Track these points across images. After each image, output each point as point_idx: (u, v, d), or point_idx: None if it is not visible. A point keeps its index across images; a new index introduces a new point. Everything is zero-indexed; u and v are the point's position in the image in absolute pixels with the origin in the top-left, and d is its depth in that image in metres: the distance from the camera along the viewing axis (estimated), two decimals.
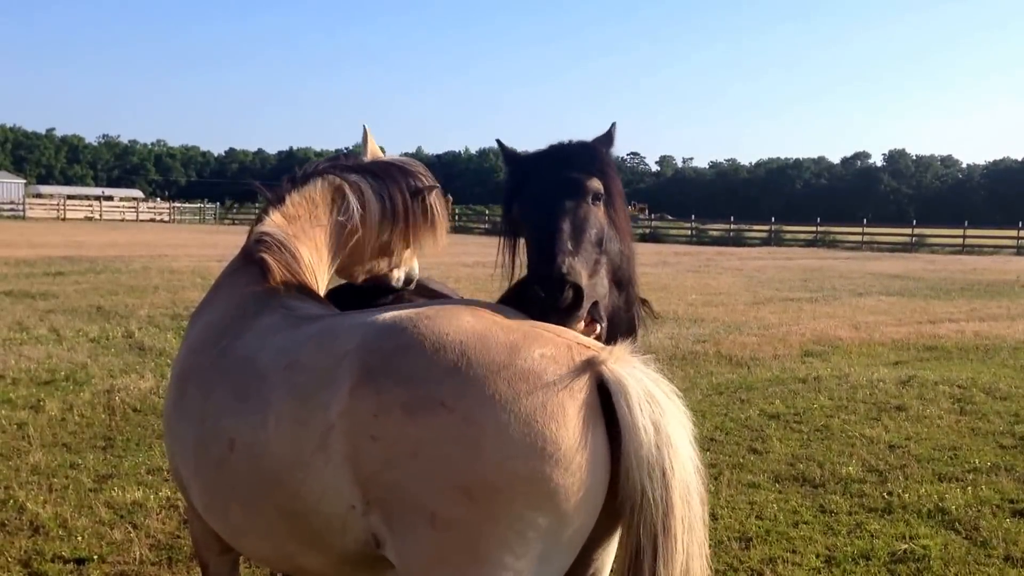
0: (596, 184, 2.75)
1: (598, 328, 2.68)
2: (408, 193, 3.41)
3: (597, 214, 2.73)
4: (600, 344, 2.48)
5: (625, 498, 2.27)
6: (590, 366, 2.31)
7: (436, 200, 3.51)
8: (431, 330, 2.35)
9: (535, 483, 2.18)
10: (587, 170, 2.77)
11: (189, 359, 3.03)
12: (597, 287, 2.70)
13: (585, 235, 2.66)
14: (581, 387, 2.26)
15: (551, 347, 2.33)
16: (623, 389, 2.27)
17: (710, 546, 5.26)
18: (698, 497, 2.35)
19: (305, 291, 3.15)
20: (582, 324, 2.59)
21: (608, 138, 2.95)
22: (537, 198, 2.73)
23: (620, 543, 2.40)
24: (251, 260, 3.21)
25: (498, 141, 3.10)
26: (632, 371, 2.33)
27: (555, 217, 2.64)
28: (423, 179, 3.49)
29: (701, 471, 2.39)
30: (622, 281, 2.90)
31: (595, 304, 2.65)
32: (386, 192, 3.38)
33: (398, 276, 3.62)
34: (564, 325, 2.51)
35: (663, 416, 2.29)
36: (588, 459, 2.22)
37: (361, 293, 3.58)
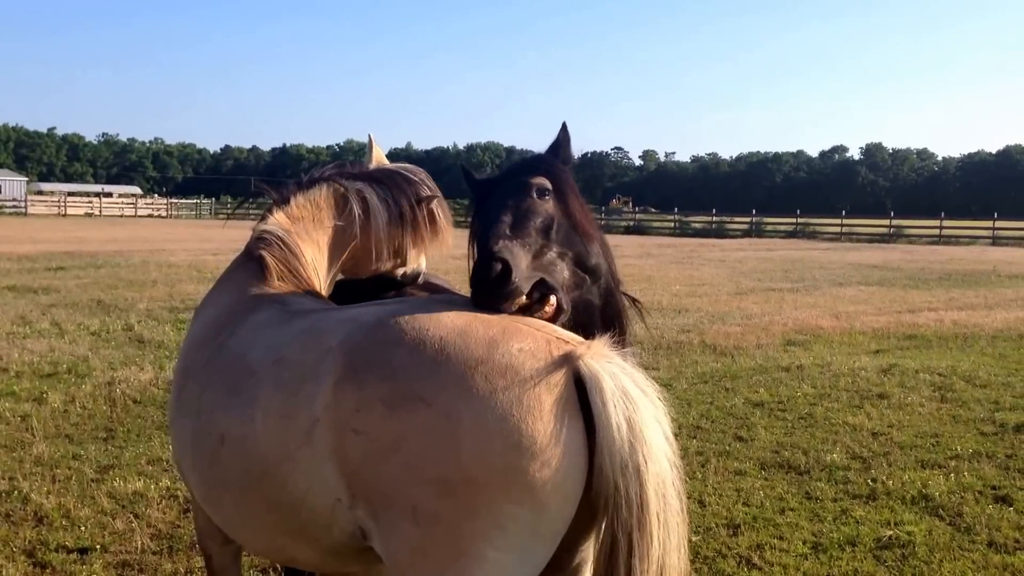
0: (540, 180, 2.83)
1: (552, 300, 2.64)
2: (413, 201, 3.49)
3: (543, 206, 2.79)
4: (579, 339, 2.47)
5: (599, 493, 2.26)
6: (567, 361, 2.29)
7: (439, 208, 3.58)
8: (412, 326, 2.37)
9: (512, 476, 2.19)
10: (532, 172, 2.87)
11: (189, 355, 3.08)
12: (548, 267, 2.70)
13: (528, 223, 2.70)
14: (558, 381, 2.26)
15: (529, 341, 2.33)
16: (597, 385, 2.26)
17: (698, 532, 5.44)
18: (675, 492, 2.34)
19: (302, 287, 3.19)
20: (523, 299, 2.55)
21: (556, 144, 3.04)
22: (486, 208, 2.83)
23: (597, 537, 2.40)
24: (251, 257, 3.26)
25: (462, 167, 3.26)
26: (607, 366, 2.31)
27: (496, 212, 2.72)
28: (426, 188, 3.57)
29: (678, 466, 2.37)
30: (594, 270, 2.91)
31: (542, 281, 2.62)
32: (391, 199, 3.45)
33: (402, 272, 3.70)
34: (501, 302, 2.49)
35: (636, 412, 2.27)
36: (565, 453, 2.22)
37: (364, 288, 3.64)
